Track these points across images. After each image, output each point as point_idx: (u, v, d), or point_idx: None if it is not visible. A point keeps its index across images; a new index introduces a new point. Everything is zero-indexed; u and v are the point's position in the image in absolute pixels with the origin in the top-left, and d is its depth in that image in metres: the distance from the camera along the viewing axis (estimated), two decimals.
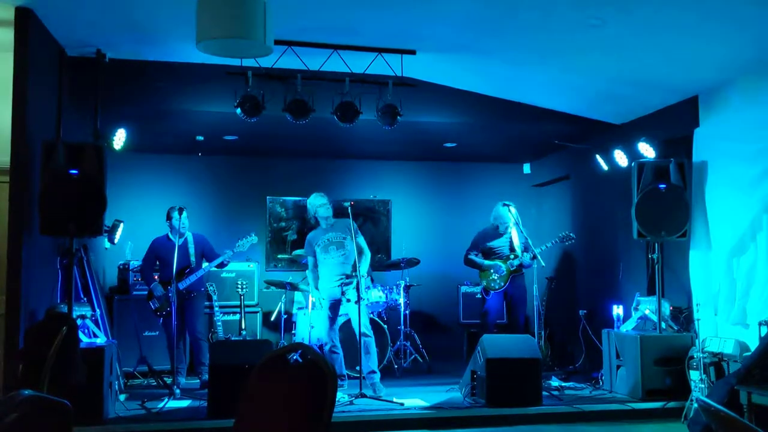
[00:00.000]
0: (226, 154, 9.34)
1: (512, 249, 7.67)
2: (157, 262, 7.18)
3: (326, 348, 6.98)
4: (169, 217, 7.14)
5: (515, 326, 7.62)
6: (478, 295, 7.95)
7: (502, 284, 7.59)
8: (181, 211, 7.02)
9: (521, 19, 5.50)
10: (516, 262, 7.56)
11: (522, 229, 7.32)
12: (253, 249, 7.85)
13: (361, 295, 6.60)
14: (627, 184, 7.00)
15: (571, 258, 9.22)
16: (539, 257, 7.11)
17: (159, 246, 7.11)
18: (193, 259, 7.13)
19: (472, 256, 7.77)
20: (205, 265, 7.13)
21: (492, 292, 7.63)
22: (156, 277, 7.18)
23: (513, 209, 7.56)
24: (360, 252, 6.90)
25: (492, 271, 7.62)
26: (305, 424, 2.21)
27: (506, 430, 5.83)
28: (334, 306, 6.98)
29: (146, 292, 7.18)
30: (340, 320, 7.24)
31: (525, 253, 7.54)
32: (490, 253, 7.73)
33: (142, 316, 7.68)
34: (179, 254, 6.92)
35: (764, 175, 6.04)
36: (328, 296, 6.94)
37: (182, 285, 6.94)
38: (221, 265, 7.22)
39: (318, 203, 7.06)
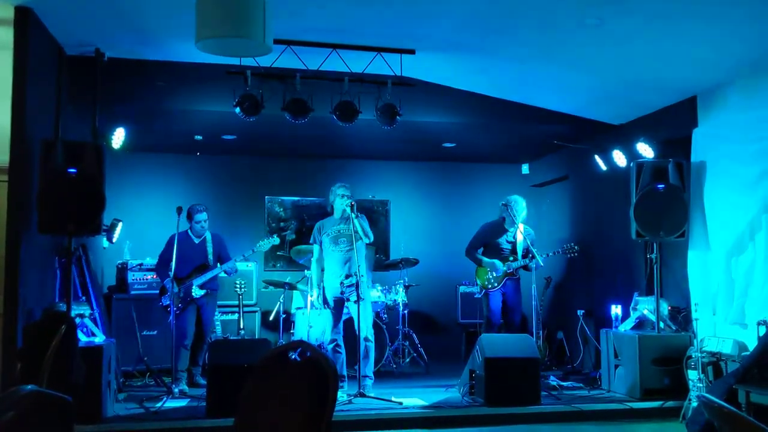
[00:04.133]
0: (225, 153, 9.33)
1: (514, 251, 7.67)
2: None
3: (330, 346, 6.96)
4: (190, 216, 7.13)
5: (511, 327, 7.61)
6: (477, 295, 7.94)
7: (496, 285, 7.58)
8: (192, 211, 7.11)
9: (520, 18, 5.51)
10: (515, 265, 7.55)
11: (527, 227, 7.30)
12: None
13: (362, 295, 6.57)
14: (626, 184, 7.01)
15: (569, 258, 9.22)
16: (538, 257, 7.11)
17: (178, 242, 6.91)
18: (210, 257, 7.16)
19: (475, 253, 7.76)
20: (230, 263, 7.14)
21: (489, 291, 7.62)
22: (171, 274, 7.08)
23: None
24: (362, 238, 6.83)
25: (489, 270, 7.62)
26: (306, 422, 2.21)
27: (505, 430, 5.83)
28: (338, 304, 6.94)
29: (146, 291, 7.16)
30: (344, 318, 7.21)
31: (524, 259, 7.54)
32: (492, 250, 7.72)
33: (140, 316, 7.67)
34: (197, 252, 7.08)
35: (762, 176, 6.05)
36: (332, 295, 6.91)
37: (198, 282, 6.99)
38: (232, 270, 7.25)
39: (339, 192, 6.95)
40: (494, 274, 7.59)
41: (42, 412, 1.88)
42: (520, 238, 7.62)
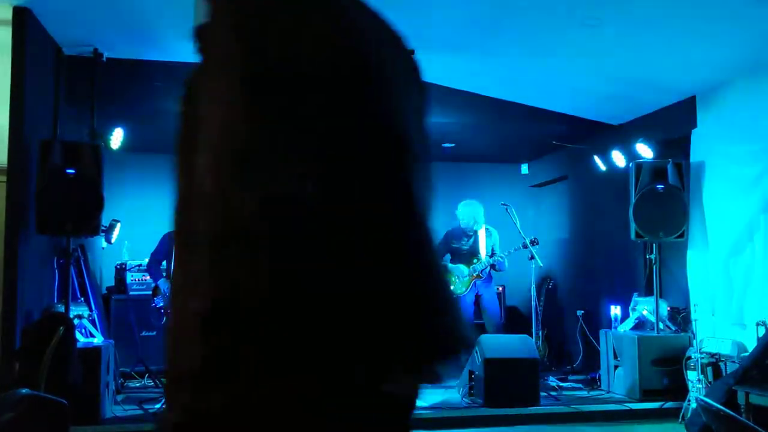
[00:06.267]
0: None
1: (474, 253, 7.67)
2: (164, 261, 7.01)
3: None
4: None
5: (495, 328, 7.60)
6: None
7: (464, 290, 7.58)
8: None
9: (519, 19, 5.50)
10: (479, 267, 7.57)
11: (520, 230, 7.29)
12: None
13: None
14: (625, 184, 7.00)
15: (568, 258, 9.22)
16: (537, 257, 7.09)
17: (170, 241, 6.90)
18: None
19: (441, 260, 7.76)
20: None
21: (458, 296, 7.63)
22: (164, 274, 7.00)
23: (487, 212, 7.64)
24: None
25: (455, 275, 7.63)
26: None
27: (504, 430, 5.82)
28: None
29: (145, 292, 7.13)
30: None
31: (488, 258, 7.55)
32: (455, 255, 7.76)
33: (139, 316, 7.65)
34: None
35: (762, 176, 6.05)
36: None
37: None
38: None
39: None
40: (460, 279, 7.61)
41: (38, 415, 1.88)
42: (482, 241, 7.64)
